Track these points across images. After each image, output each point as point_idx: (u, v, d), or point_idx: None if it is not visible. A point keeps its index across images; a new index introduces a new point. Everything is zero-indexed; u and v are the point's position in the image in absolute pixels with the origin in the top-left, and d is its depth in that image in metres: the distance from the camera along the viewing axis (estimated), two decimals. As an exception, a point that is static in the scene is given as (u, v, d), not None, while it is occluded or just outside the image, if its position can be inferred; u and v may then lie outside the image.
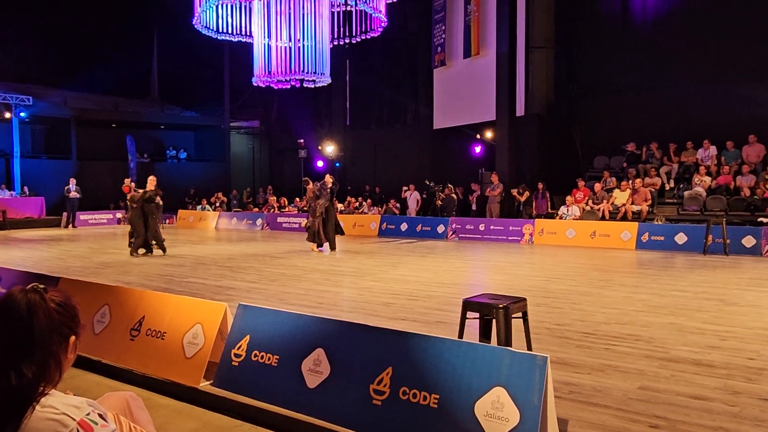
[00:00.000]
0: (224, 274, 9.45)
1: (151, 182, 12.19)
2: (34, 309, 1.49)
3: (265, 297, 7.34)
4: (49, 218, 21.30)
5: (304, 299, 7.28)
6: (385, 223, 17.21)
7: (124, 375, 4.40)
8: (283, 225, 19.63)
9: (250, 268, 10.09)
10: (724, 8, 15.99)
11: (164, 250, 12.18)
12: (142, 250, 12.06)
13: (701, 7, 16.46)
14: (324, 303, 7.05)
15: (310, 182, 13.18)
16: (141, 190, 12.25)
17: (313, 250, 12.72)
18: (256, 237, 16.91)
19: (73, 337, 1.58)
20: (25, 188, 22.38)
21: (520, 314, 3.96)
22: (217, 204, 23.66)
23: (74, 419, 1.43)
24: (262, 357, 3.88)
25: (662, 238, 12.65)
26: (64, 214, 20.82)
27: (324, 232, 12.52)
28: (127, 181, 13.68)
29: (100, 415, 1.48)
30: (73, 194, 20.44)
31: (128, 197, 12.46)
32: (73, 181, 20.66)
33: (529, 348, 4.10)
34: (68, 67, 25.18)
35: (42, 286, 1.56)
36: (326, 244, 12.56)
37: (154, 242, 12.52)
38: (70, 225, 20.52)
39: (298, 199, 22.21)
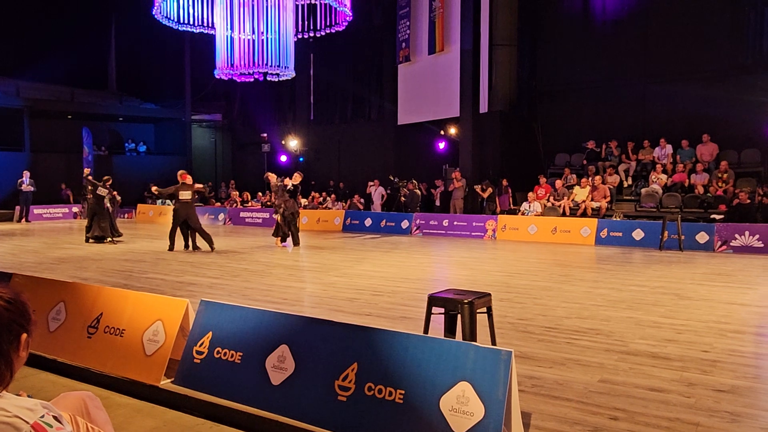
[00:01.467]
0: (185, 269, 9.28)
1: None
2: None
3: (227, 293, 7.23)
4: (0, 212, 20.56)
5: (267, 295, 7.19)
6: (349, 219, 17.18)
7: (81, 374, 4.27)
8: (246, 220, 19.39)
9: (212, 264, 9.93)
10: (681, 10, 16.46)
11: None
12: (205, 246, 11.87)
13: (658, 8, 16.90)
14: (288, 299, 6.99)
15: (273, 175, 13.04)
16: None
17: (276, 244, 12.60)
18: (218, 232, 16.65)
19: (24, 335, 1.51)
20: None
21: (484, 309, 3.99)
22: (178, 198, 23.18)
23: (27, 422, 1.37)
24: (225, 354, 3.82)
25: (620, 234, 12.95)
26: (17, 207, 20.13)
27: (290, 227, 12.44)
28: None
29: (55, 418, 1.42)
30: (26, 187, 19.78)
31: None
32: (26, 174, 19.98)
33: (494, 343, 4.14)
34: (21, 56, 24.30)
35: None
36: (289, 239, 12.47)
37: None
38: (24, 219, 19.86)
39: (260, 193, 21.96)
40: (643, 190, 14.90)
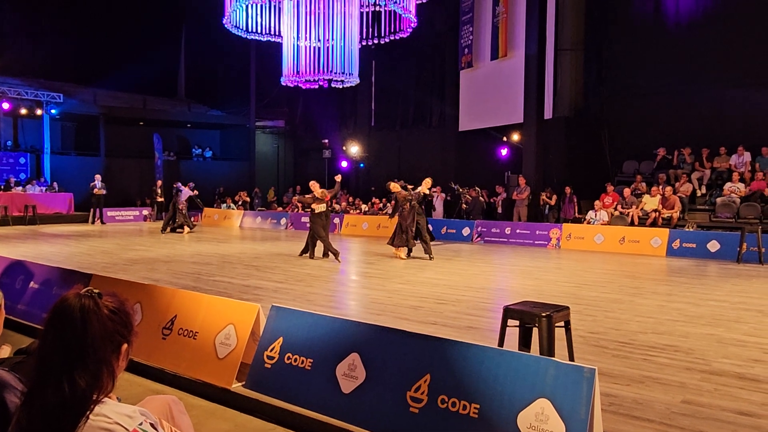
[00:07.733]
0: (251, 273, 9.45)
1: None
2: (87, 316, 1.44)
3: (292, 297, 7.30)
4: (77, 214, 21.59)
5: (331, 300, 7.23)
6: (409, 225, 17.08)
7: (156, 374, 4.38)
8: (308, 225, 19.58)
9: (276, 268, 10.08)
10: (761, 10, 15.61)
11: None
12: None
13: (736, 9, 16.09)
14: (352, 305, 7.00)
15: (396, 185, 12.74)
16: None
17: (398, 255, 12.01)
18: (280, 236, 16.93)
19: (125, 345, 1.53)
20: (55, 184, 22.70)
21: (562, 323, 3.85)
22: (240, 203, 23.79)
23: (127, 429, 1.39)
24: (295, 360, 3.83)
25: (694, 246, 12.36)
26: (92, 210, 21.07)
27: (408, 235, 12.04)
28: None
29: (152, 425, 1.43)
30: (98, 191, 20.65)
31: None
32: (98, 178, 20.86)
33: (571, 358, 3.98)
34: (98, 65, 25.53)
35: (96, 290, 1.51)
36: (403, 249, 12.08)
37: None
38: (98, 221, 20.76)
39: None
40: (718, 200, 14.19)
